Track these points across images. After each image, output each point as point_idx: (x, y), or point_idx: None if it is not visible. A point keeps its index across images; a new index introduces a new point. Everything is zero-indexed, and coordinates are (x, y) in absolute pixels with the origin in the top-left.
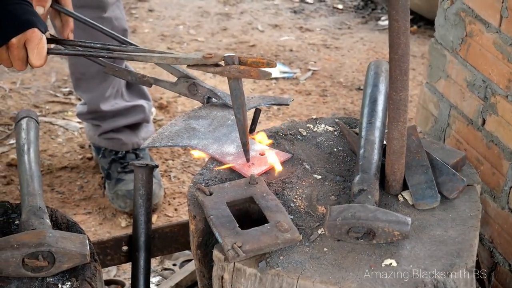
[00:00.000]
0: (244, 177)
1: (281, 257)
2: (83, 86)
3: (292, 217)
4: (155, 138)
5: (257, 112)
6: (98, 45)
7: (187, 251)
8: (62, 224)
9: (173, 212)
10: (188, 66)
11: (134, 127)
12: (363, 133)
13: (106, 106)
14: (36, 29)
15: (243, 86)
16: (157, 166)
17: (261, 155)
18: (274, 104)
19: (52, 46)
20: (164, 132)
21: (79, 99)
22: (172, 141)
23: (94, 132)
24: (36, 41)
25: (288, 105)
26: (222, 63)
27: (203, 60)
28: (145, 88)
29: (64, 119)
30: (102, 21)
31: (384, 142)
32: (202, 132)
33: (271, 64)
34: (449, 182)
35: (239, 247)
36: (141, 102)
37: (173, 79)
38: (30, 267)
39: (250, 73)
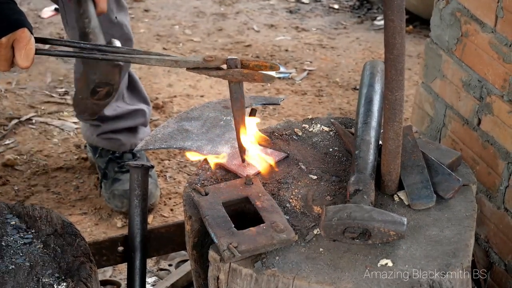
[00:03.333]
0: (239, 177)
1: (277, 258)
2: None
3: (287, 217)
4: (148, 141)
5: (253, 112)
6: (88, 46)
7: (183, 252)
8: (57, 224)
9: (169, 212)
10: (188, 69)
11: (132, 129)
12: (358, 133)
13: (108, 111)
14: (26, 29)
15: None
16: (152, 167)
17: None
18: (265, 104)
19: (46, 46)
20: (157, 134)
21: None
22: (165, 143)
23: (92, 132)
24: (25, 41)
25: (279, 104)
26: (223, 66)
27: (204, 63)
28: (145, 92)
29: (59, 119)
30: (112, 25)
31: (380, 142)
32: (195, 134)
33: (274, 68)
34: (445, 182)
35: (235, 247)
36: (142, 106)
37: None
38: None
39: (254, 76)
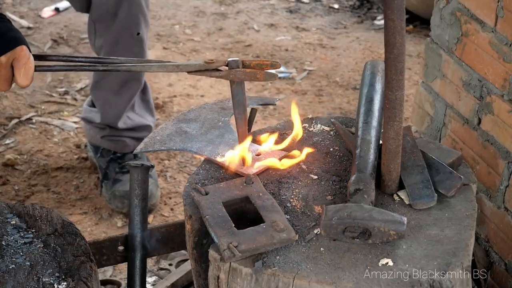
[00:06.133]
0: (239, 176)
1: (278, 257)
2: (96, 93)
3: (288, 216)
4: (147, 143)
5: (253, 112)
6: (89, 59)
7: (183, 251)
8: (57, 224)
9: (169, 212)
10: (190, 72)
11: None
12: (359, 133)
13: (120, 124)
14: (24, 47)
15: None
16: (152, 166)
17: (257, 155)
18: (260, 104)
19: (41, 63)
20: (156, 136)
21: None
22: (165, 145)
23: (96, 132)
24: (24, 60)
25: (275, 104)
26: (223, 68)
27: (205, 65)
28: (153, 103)
29: (60, 119)
30: (133, 41)
31: (381, 142)
32: (194, 135)
33: (275, 65)
34: (447, 180)
35: (235, 247)
36: (149, 121)
37: None
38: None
39: (256, 75)
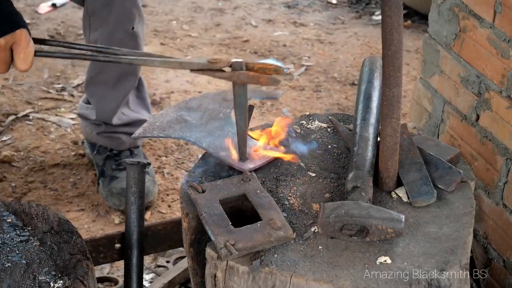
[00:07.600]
0: (238, 173)
1: (275, 255)
2: (90, 89)
3: (285, 214)
4: (146, 128)
5: (250, 109)
6: (90, 47)
7: (180, 248)
8: (54, 222)
9: (166, 208)
10: (192, 70)
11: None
12: (357, 130)
13: (114, 120)
14: (25, 31)
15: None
16: (149, 164)
17: (255, 151)
18: (264, 99)
19: (41, 48)
20: (155, 122)
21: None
22: (164, 132)
23: (92, 129)
24: (24, 44)
25: (278, 99)
26: (226, 69)
27: (209, 65)
28: (149, 99)
29: (57, 115)
30: (127, 35)
31: (378, 139)
32: (194, 125)
33: (278, 71)
34: (446, 176)
35: (232, 245)
36: (145, 116)
37: None
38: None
39: (259, 79)
